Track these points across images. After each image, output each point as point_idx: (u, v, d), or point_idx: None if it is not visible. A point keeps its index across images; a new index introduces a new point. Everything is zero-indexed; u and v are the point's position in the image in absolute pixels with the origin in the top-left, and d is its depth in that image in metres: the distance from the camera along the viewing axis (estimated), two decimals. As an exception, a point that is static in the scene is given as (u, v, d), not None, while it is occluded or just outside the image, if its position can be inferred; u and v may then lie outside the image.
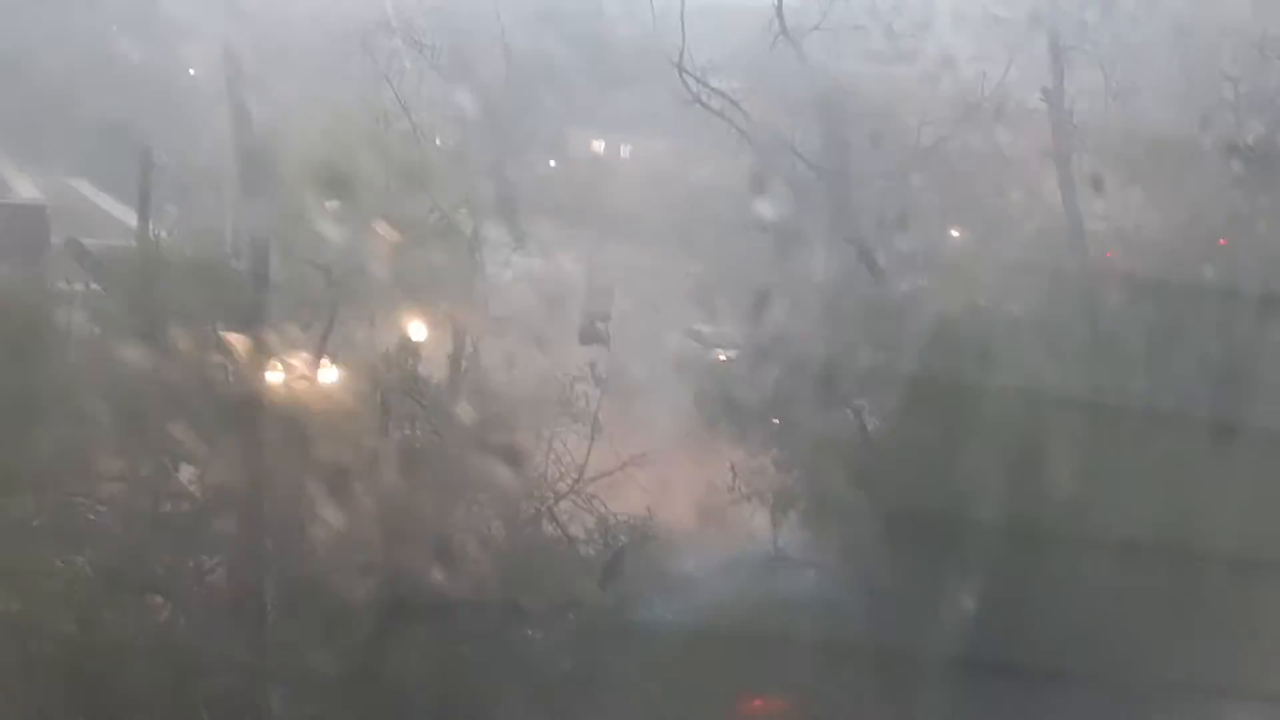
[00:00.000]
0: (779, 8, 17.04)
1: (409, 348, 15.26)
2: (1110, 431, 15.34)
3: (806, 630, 14.70)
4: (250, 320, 14.20)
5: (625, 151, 20.64)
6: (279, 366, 14.50)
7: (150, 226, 16.80)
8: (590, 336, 17.28)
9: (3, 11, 19.20)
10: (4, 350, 14.17)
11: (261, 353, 14.40)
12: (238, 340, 14.37)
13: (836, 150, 16.66)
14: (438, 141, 17.03)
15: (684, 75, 16.96)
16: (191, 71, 18.28)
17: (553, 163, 18.96)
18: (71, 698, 12.63)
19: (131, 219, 17.46)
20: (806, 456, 16.29)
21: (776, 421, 16.35)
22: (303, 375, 14.62)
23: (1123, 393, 15.65)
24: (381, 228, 14.69)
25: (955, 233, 17.92)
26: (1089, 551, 14.65)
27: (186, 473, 14.87)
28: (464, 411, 14.90)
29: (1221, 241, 17.22)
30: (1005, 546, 14.78)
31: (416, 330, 15.51)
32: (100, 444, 14.41)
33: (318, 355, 14.83)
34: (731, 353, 17.22)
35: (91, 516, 14.13)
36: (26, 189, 19.39)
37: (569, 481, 15.05)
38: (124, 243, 17.28)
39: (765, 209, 16.12)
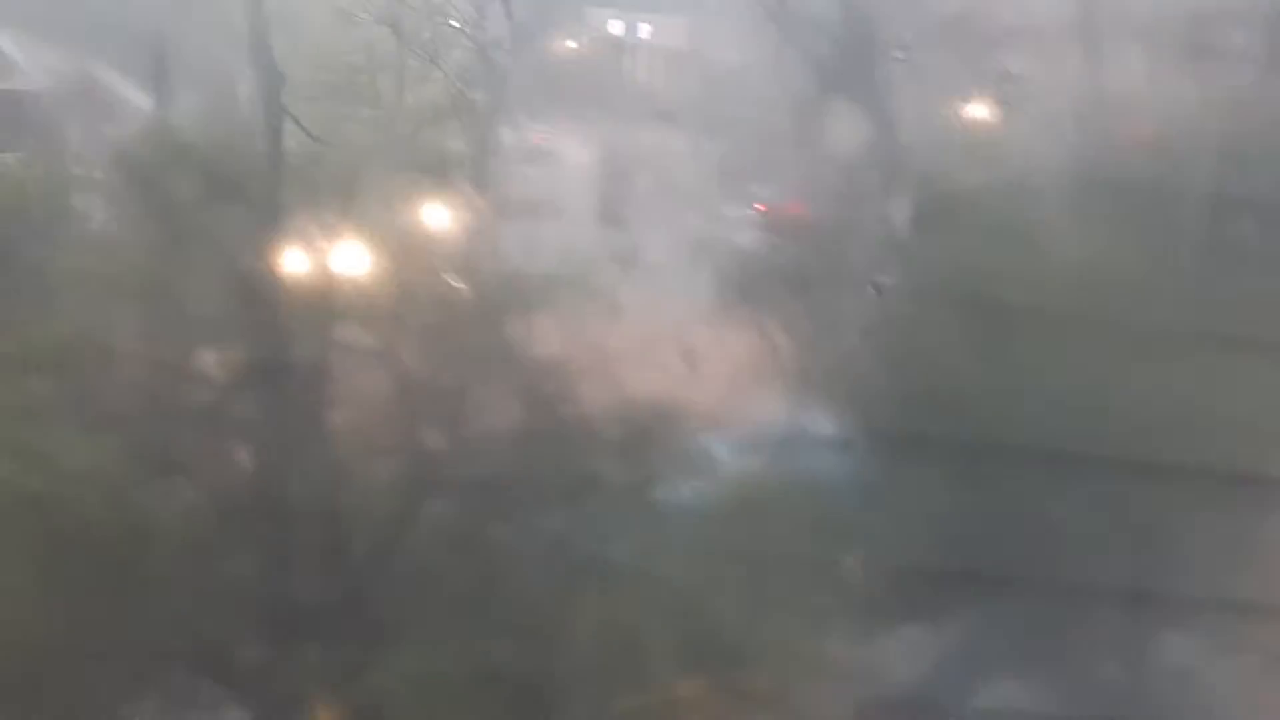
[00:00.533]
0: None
1: (426, 228, 15.17)
2: (1138, 315, 15.23)
3: (830, 508, 14.73)
4: (266, 201, 14.12)
5: (644, 31, 20.34)
6: (297, 248, 14.43)
7: (165, 110, 16.72)
8: (610, 217, 17.16)
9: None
10: (22, 233, 14.16)
11: (280, 234, 14.35)
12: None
13: (858, 24, 16.41)
14: (453, 22, 16.83)
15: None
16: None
17: (571, 43, 18.75)
18: (95, 577, 12.73)
19: (146, 103, 17.37)
20: (828, 335, 16.24)
21: (798, 300, 16.29)
22: (321, 256, 14.53)
23: (1151, 271, 15.52)
24: (397, 107, 14.59)
25: (979, 106, 17.67)
26: (1104, 435, 14.62)
27: (208, 356, 14.88)
28: (482, 291, 14.82)
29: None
30: (1024, 428, 14.75)
31: (433, 211, 15.41)
32: (120, 326, 14.43)
33: (335, 236, 14.74)
34: (753, 231, 17.12)
35: (113, 398, 14.14)
36: (42, 74, 19.28)
37: (588, 361, 14.98)
38: (139, 126, 17.17)
39: (785, 86, 15.93)
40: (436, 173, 15.24)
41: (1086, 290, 15.27)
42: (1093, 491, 14.73)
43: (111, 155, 15.95)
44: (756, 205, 16.62)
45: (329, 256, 14.73)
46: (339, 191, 14.77)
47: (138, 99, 18.26)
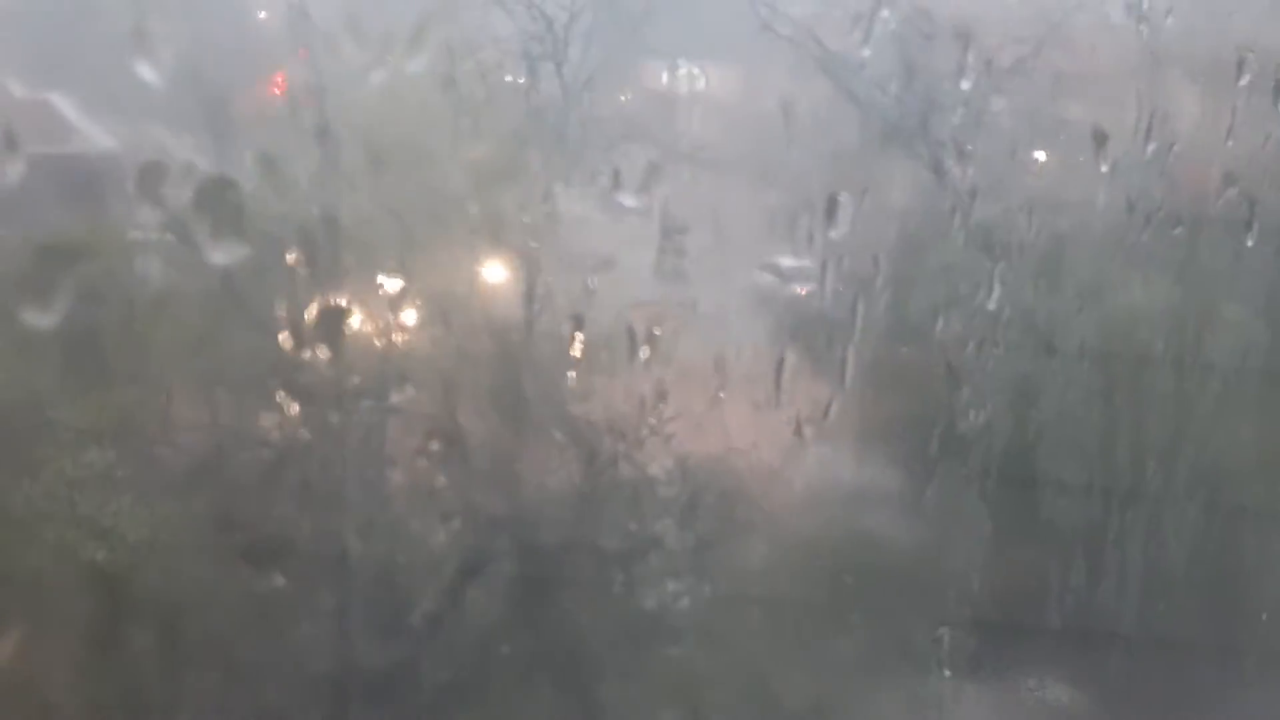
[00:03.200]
0: (852, -71, 16.66)
1: (482, 287, 15.15)
2: (1216, 358, 14.99)
3: (889, 566, 14.53)
4: (322, 264, 14.15)
5: (698, 82, 20.29)
6: (355, 311, 14.46)
7: (222, 173, 16.73)
8: (667, 271, 17.03)
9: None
10: (80, 299, 14.20)
11: (337, 297, 14.38)
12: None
13: (912, 74, 16.28)
14: (508, 78, 16.84)
15: (755, 1, 16.66)
16: (261, 14, 18.17)
17: (624, 96, 18.71)
18: (159, 644, 12.76)
19: (205, 166, 17.39)
20: (888, 390, 16.03)
21: (857, 355, 16.09)
22: (377, 319, 14.55)
23: (1217, 323, 15.28)
24: (451, 169, 14.58)
25: (1039, 156, 17.47)
26: (1180, 506, 14.35)
27: (265, 421, 14.91)
28: (539, 351, 14.78)
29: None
30: (1090, 486, 14.53)
31: (489, 271, 15.38)
32: (180, 393, 14.49)
33: (392, 298, 14.75)
34: (810, 286, 16.92)
35: (172, 466, 14.19)
36: (101, 137, 19.36)
37: (647, 421, 14.87)
38: (198, 189, 17.21)
39: (840, 136, 15.82)
40: (491, 232, 15.23)
41: (1159, 335, 15.05)
42: (1184, 539, 14.47)
43: (168, 218, 15.99)
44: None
45: (385, 318, 14.77)
46: (394, 253, 14.78)
47: (197, 161, 18.32)
